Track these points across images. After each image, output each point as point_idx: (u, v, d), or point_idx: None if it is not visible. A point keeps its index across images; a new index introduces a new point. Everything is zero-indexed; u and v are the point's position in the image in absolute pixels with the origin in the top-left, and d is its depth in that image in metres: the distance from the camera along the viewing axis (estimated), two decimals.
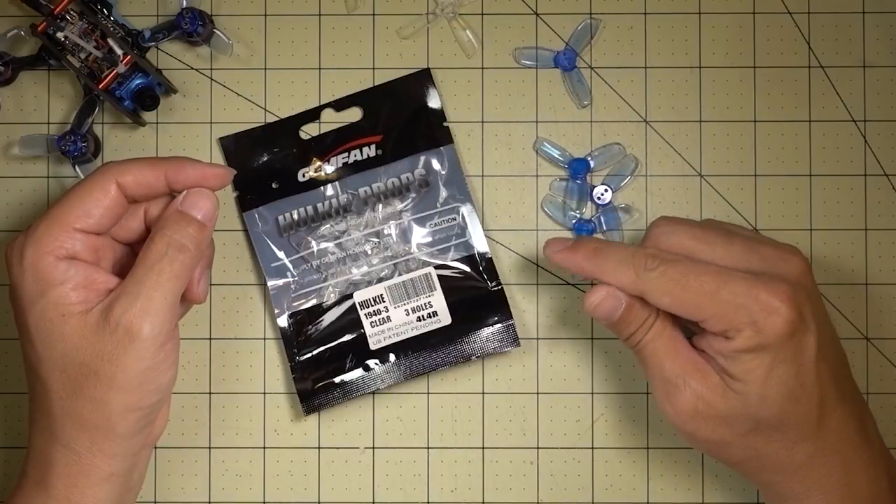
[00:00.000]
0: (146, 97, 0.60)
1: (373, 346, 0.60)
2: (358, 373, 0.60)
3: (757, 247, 0.53)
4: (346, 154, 0.61)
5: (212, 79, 0.62)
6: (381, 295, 0.60)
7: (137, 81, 0.60)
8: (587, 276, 0.54)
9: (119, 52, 0.59)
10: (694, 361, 0.52)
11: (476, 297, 0.61)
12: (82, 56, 0.59)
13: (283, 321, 0.61)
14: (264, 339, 0.62)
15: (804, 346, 0.51)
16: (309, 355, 0.61)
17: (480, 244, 0.61)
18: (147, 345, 0.51)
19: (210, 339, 0.62)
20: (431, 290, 0.61)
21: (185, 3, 0.60)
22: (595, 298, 0.53)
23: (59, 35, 0.59)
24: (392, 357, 0.60)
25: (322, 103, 0.62)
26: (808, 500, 0.52)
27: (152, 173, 0.54)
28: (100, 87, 0.59)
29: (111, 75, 0.59)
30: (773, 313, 0.50)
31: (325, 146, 0.62)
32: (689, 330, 0.54)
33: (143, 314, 0.51)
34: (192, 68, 0.62)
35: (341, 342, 0.60)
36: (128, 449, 0.53)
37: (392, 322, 0.60)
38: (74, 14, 0.59)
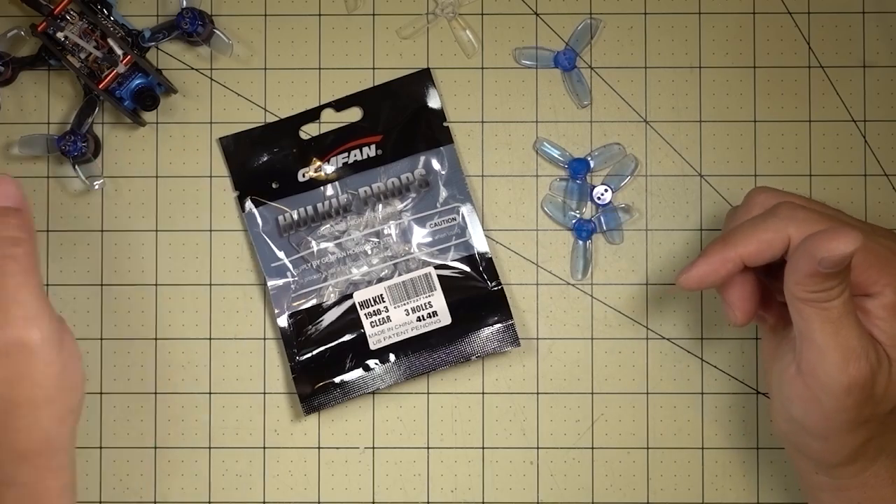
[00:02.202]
0: (146, 97, 0.60)
1: (373, 346, 0.60)
2: (358, 373, 0.60)
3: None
4: (346, 154, 0.61)
5: (212, 79, 0.62)
6: (381, 295, 0.60)
7: (137, 81, 0.60)
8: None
9: (119, 52, 0.59)
10: (868, 334, 0.50)
11: (476, 297, 0.61)
12: (82, 56, 0.59)
13: (283, 321, 0.61)
14: (264, 339, 0.62)
15: None
16: (309, 355, 0.61)
17: (480, 244, 0.61)
18: (48, 349, 0.48)
19: (210, 339, 0.62)
20: (431, 290, 0.61)
21: (184, 3, 0.60)
22: (853, 234, 0.48)
23: (59, 35, 0.59)
24: (392, 357, 0.60)
25: (322, 103, 0.62)
26: (874, 467, 0.52)
27: None
28: (100, 87, 0.59)
29: (111, 75, 0.59)
30: None
31: (325, 146, 0.62)
32: None
33: (25, 322, 0.47)
34: (192, 68, 0.62)
35: (341, 342, 0.60)
36: (71, 453, 0.50)
37: (392, 322, 0.60)
38: (74, 14, 0.59)
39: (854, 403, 0.49)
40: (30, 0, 0.59)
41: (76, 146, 0.60)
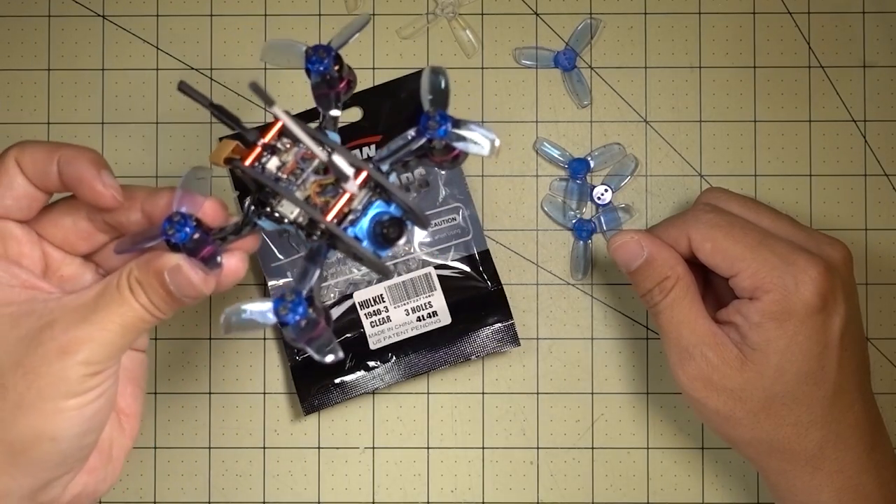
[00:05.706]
0: (387, 226, 0.43)
1: (373, 346, 0.60)
2: (358, 373, 0.60)
3: (804, 227, 0.53)
4: None
5: (211, 79, 0.62)
6: (381, 295, 0.60)
7: (377, 212, 0.43)
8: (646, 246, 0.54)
9: (349, 170, 0.43)
10: (713, 333, 0.51)
11: (476, 297, 0.61)
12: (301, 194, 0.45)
13: None
14: (264, 339, 0.62)
15: (830, 326, 0.50)
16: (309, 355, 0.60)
17: (480, 244, 0.61)
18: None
19: (210, 339, 0.62)
20: (431, 290, 0.61)
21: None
22: (619, 239, 0.53)
23: (271, 166, 0.45)
24: (392, 357, 0.60)
25: None
26: (819, 496, 0.51)
27: (46, 154, 0.45)
28: (326, 218, 0.44)
29: (344, 200, 0.43)
30: (807, 281, 0.50)
31: None
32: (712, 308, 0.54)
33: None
34: (192, 68, 0.62)
35: (341, 342, 0.60)
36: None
37: (392, 322, 0.60)
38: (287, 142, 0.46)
39: (705, 397, 0.51)
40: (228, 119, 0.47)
41: (297, 315, 0.43)
